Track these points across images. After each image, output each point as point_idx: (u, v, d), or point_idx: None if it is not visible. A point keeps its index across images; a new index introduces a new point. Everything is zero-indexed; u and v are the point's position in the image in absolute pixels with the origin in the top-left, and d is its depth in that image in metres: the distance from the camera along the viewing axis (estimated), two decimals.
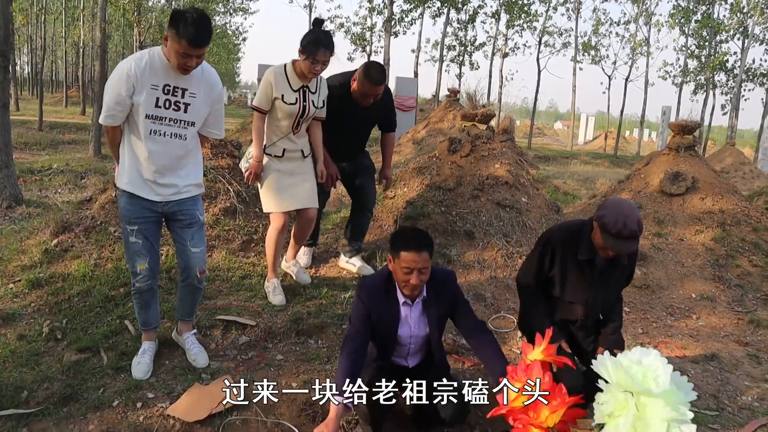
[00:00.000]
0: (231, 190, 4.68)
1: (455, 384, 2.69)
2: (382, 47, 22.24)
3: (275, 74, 3.66)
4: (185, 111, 2.91)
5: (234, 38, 33.03)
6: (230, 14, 30.30)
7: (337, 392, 2.44)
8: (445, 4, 21.76)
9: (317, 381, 3.16)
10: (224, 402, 2.94)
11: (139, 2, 19.80)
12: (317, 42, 3.50)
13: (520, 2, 22.54)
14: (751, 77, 22.31)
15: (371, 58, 24.45)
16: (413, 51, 23.84)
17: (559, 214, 5.25)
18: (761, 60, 40.72)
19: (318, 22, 3.70)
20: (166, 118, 2.88)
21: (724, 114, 23.24)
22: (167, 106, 2.86)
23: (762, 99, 24.45)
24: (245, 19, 50.09)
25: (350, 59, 25.39)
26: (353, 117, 4.02)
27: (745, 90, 22.34)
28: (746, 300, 4.84)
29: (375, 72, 3.82)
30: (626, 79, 24.28)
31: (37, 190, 8.31)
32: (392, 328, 2.72)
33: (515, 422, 1.56)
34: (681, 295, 4.80)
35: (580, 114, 33.09)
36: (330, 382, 3.16)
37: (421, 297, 2.70)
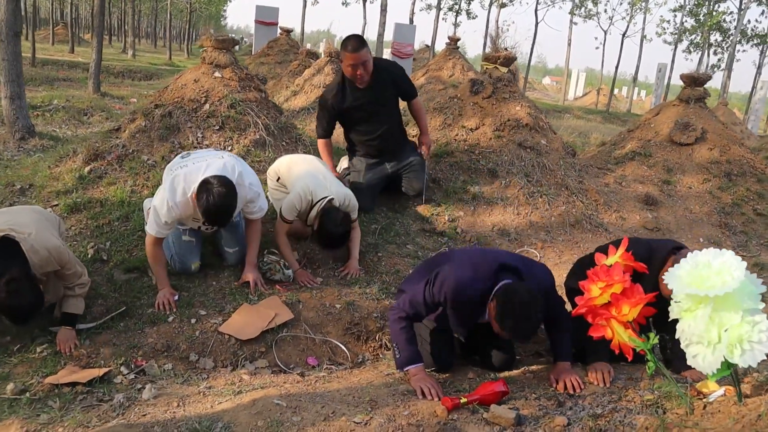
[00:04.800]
0: (260, 122, 4.73)
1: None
2: None
3: (297, 204, 3.61)
4: None
5: None
6: None
7: (415, 358, 2.56)
8: None
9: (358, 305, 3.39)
10: (274, 320, 3.16)
11: None
12: (325, 244, 3.64)
13: None
14: (747, 38, 22.35)
15: (366, 4, 24.04)
16: None
17: (574, 158, 5.40)
18: (756, 21, 40.60)
19: (347, 217, 3.63)
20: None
21: (714, 71, 23.37)
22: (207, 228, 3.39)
23: (754, 62, 24.60)
24: None
25: (345, 4, 24.93)
26: (362, 102, 4.13)
27: (738, 51, 22.43)
28: (750, 246, 5.08)
29: (352, 41, 3.93)
30: (623, 35, 24.15)
31: (42, 124, 8.25)
32: (468, 327, 2.73)
33: (595, 319, 1.72)
34: (689, 238, 5.02)
35: (570, 70, 32.98)
36: (374, 309, 3.37)
37: None
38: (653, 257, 2.58)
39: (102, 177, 4.34)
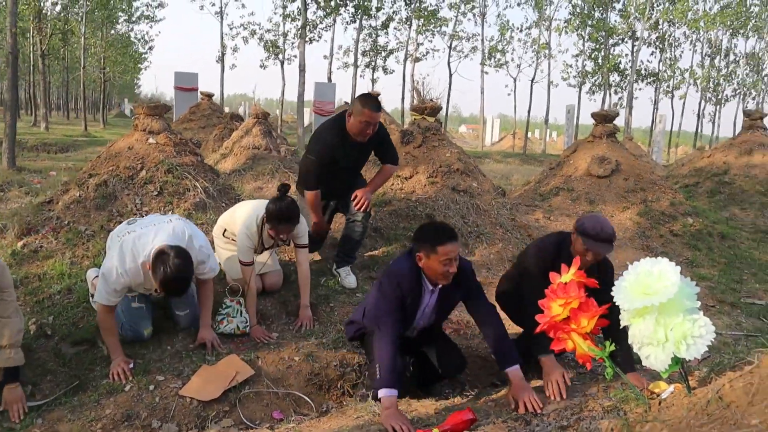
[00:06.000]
0: (198, 186, 4.76)
1: (449, 341, 3.15)
2: (295, 55, 22.42)
3: (249, 237, 3.69)
4: None
5: (140, 46, 31.93)
6: (133, 22, 29.47)
7: (391, 383, 2.60)
8: (359, 11, 22.23)
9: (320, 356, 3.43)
10: (235, 378, 3.14)
11: (39, 8, 18.93)
12: (280, 219, 3.57)
13: (430, 8, 23.46)
14: (642, 77, 24.33)
15: (284, 66, 24.55)
16: (326, 57, 24.13)
17: (504, 197, 5.70)
18: (648, 61, 44.18)
19: (283, 188, 3.64)
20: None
21: (616, 106, 25.18)
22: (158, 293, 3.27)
23: (650, 98, 26.73)
24: (151, 27, 48.49)
25: (263, 67, 25.26)
26: (349, 158, 4.13)
27: (636, 90, 24.37)
28: None
29: (373, 100, 3.94)
30: (532, 81, 25.70)
31: None
32: (413, 314, 2.94)
33: (557, 334, 1.87)
34: (617, 263, 5.32)
35: (485, 117, 34.60)
36: (333, 358, 3.42)
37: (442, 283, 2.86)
38: (561, 245, 3.05)
39: (37, 251, 4.21)
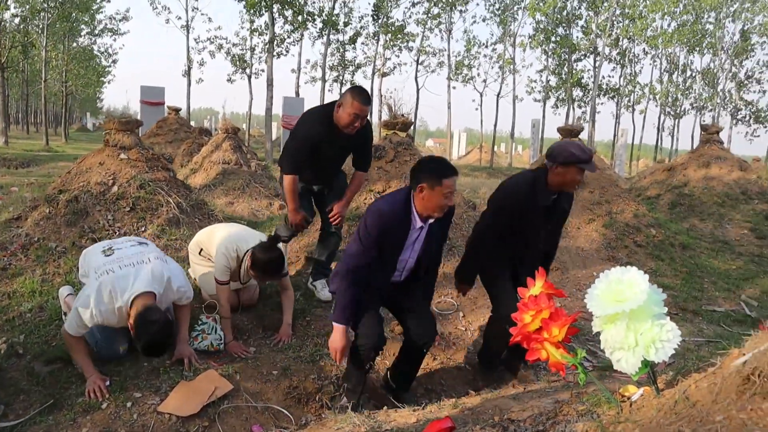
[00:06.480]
0: (171, 201, 4.75)
1: (427, 308, 3.29)
2: (263, 70, 22.42)
3: (227, 257, 3.72)
4: None
5: (103, 59, 31.42)
6: (96, 35, 29.04)
7: (342, 320, 2.87)
8: (327, 26, 22.37)
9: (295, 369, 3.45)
10: (214, 393, 3.15)
11: None
12: (266, 271, 3.65)
13: (397, 23, 23.77)
14: (603, 92, 25.01)
15: (252, 80, 24.50)
16: (293, 71, 24.17)
17: (475, 210, 5.81)
18: (609, 76, 45.36)
19: (275, 239, 3.72)
20: None
21: (580, 120, 25.83)
22: None
23: (612, 113, 27.47)
24: (115, 40, 47.85)
25: (230, 81, 25.16)
26: (332, 149, 4.04)
27: (598, 104, 25.04)
28: None
29: (364, 92, 3.82)
30: (498, 95, 26.14)
31: None
32: (398, 252, 3.03)
33: (530, 344, 1.96)
34: (585, 274, 5.51)
35: (452, 131, 34.94)
36: (311, 371, 3.46)
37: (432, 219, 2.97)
38: (535, 182, 3.31)
39: (6, 269, 4.16)
